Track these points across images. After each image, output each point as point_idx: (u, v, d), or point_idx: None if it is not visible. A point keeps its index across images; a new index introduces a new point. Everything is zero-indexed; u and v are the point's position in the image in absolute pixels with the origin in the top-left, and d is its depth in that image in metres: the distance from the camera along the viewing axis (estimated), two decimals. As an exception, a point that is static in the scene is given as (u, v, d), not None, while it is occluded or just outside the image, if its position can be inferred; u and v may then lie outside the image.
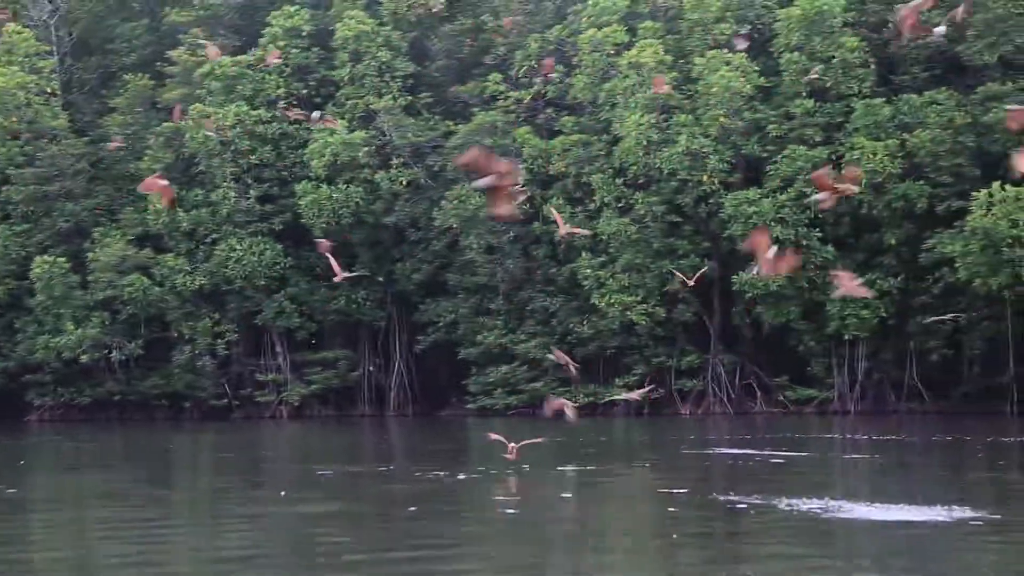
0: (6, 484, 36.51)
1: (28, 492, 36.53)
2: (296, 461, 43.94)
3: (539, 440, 39.90)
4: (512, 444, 35.93)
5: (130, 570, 21.98)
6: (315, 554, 23.15)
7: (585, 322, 71.88)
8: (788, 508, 27.68)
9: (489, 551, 23.33)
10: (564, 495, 31.11)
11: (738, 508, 27.91)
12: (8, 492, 34.79)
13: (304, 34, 79.32)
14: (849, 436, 53.64)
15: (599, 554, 23.08)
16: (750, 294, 68.20)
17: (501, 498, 30.22)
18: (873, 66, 69.14)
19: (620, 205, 70.58)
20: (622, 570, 21.44)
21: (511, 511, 28.02)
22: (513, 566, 21.46)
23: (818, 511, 27.29)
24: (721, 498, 29.71)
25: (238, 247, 75.63)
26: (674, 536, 24.87)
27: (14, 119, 79.22)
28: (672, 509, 28.32)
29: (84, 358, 76.64)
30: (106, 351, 77.23)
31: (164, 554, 23.74)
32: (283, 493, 33.73)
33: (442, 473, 37.33)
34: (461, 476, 36.51)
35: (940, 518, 25.57)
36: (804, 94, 68.95)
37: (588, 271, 70.69)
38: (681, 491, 32.20)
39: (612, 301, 69.73)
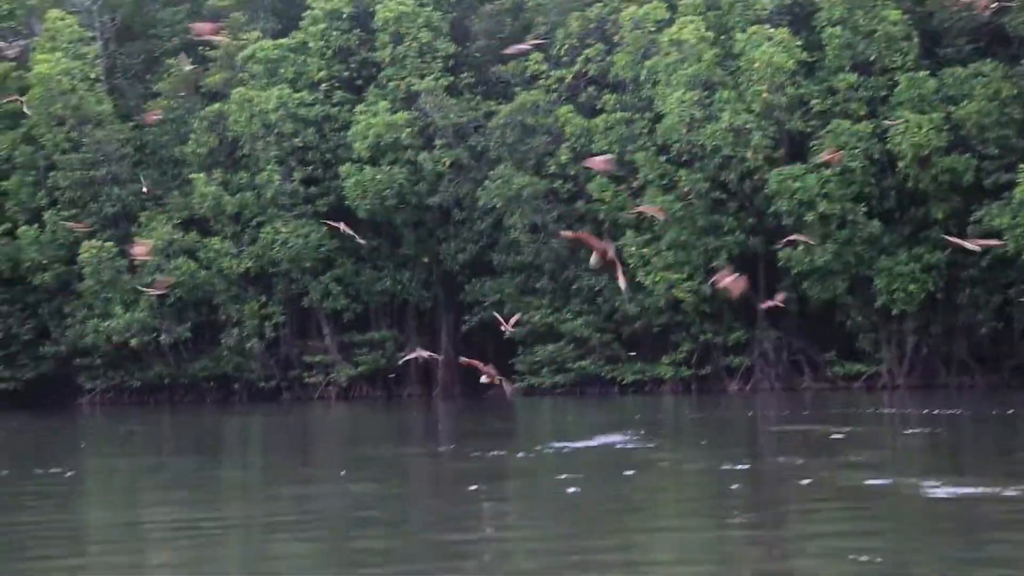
0: (67, 467, 36.92)
1: (92, 475, 36.94)
2: (352, 442, 44.31)
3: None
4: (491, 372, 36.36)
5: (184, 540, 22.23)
6: (383, 533, 23.31)
7: (631, 300, 71.96)
8: (867, 484, 27.73)
9: (551, 528, 23.44)
10: (627, 472, 31.18)
11: (802, 484, 27.99)
12: (67, 475, 35.16)
13: (345, 16, 79.48)
14: (901, 410, 53.63)
15: (653, 532, 23.19)
16: (796, 270, 68.12)
17: (564, 476, 30.30)
18: (916, 39, 68.76)
19: (664, 183, 70.55)
20: (671, 547, 21.52)
21: (572, 489, 28.11)
22: (580, 543, 21.59)
23: (888, 485, 27.37)
24: (791, 474, 29.70)
25: (283, 229, 76.03)
26: (735, 513, 24.97)
27: (59, 105, 79.77)
28: (734, 486, 28.37)
29: (133, 342, 77.34)
30: (155, 334, 77.88)
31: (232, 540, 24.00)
32: (343, 473, 33.96)
33: (501, 452, 37.50)
34: (520, 454, 36.66)
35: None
36: (848, 68, 68.67)
37: (633, 249, 70.73)
38: (743, 467, 32.27)
39: (658, 279, 69.78)
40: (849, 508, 25.21)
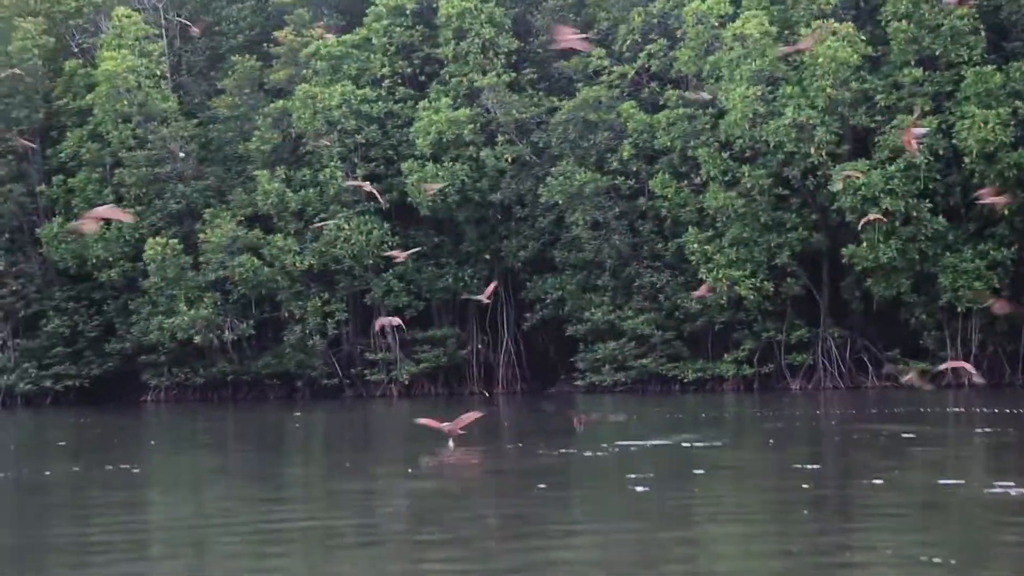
0: (140, 463, 37.13)
1: (160, 471, 37.11)
2: (419, 439, 44.33)
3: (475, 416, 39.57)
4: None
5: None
6: (447, 531, 23.23)
7: (693, 297, 71.61)
8: (940, 483, 27.40)
9: (617, 529, 23.27)
10: (696, 471, 30.94)
11: (875, 484, 27.63)
12: (134, 471, 35.36)
13: (408, 12, 79.66)
14: (969, 409, 52.99)
15: (722, 530, 22.98)
16: (860, 267, 67.52)
17: (633, 476, 30.04)
18: (983, 33, 67.92)
19: (726, 179, 70.08)
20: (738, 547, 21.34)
21: (641, 488, 27.87)
22: (651, 545, 21.42)
23: (960, 486, 27.01)
24: (861, 476, 29.33)
25: (346, 226, 76.24)
26: (805, 512, 24.69)
27: (125, 102, 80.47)
28: (805, 485, 28.04)
29: (197, 339, 77.88)
30: (218, 331, 78.39)
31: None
32: (410, 470, 33.91)
33: (570, 450, 37.28)
34: (588, 453, 36.43)
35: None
36: (913, 63, 67.95)
37: (695, 246, 70.37)
38: (814, 466, 31.90)
39: (720, 276, 69.38)
40: (921, 509, 24.86)
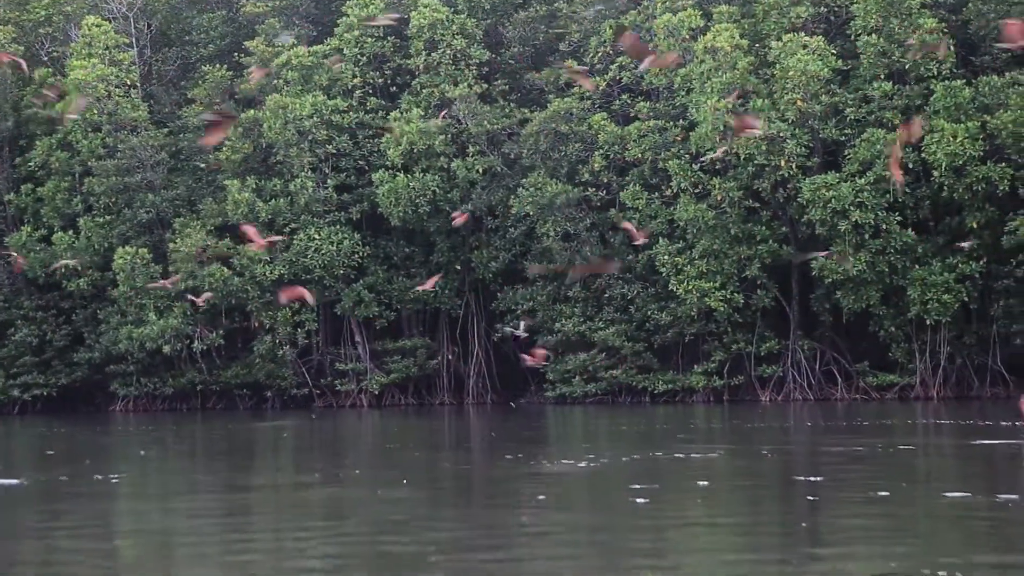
0: (122, 470, 36.96)
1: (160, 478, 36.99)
2: (406, 449, 44.27)
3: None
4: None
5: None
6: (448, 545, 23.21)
7: (663, 309, 71.78)
8: (947, 496, 27.45)
9: (619, 540, 23.28)
10: (701, 482, 30.93)
11: (880, 496, 27.68)
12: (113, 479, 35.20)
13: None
14: (933, 421, 53.25)
15: (734, 536, 23.01)
16: (829, 279, 67.78)
17: (636, 487, 29.96)
18: (952, 47, 68.36)
19: (697, 191, 70.31)
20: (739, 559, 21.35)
21: (642, 500, 27.80)
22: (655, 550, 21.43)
23: (967, 499, 27.08)
24: (865, 488, 29.36)
25: (316, 236, 76.11)
26: (802, 525, 24.70)
27: (95, 111, 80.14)
28: (811, 497, 28.04)
29: (166, 348, 77.56)
30: (188, 341, 78.11)
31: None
32: (405, 481, 33.73)
33: (566, 461, 37.14)
34: (582, 464, 36.34)
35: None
36: (882, 76, 68.31)
37: (665, 257, 70.53)
38: (816, 479, 31.85)
39: (690, 287, 69.54)
40: (933, 521, 25.04)
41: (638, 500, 27.79)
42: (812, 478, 31.80)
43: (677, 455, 38.38)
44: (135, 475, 39.52)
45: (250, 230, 39.80)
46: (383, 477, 35.35)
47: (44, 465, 42.83)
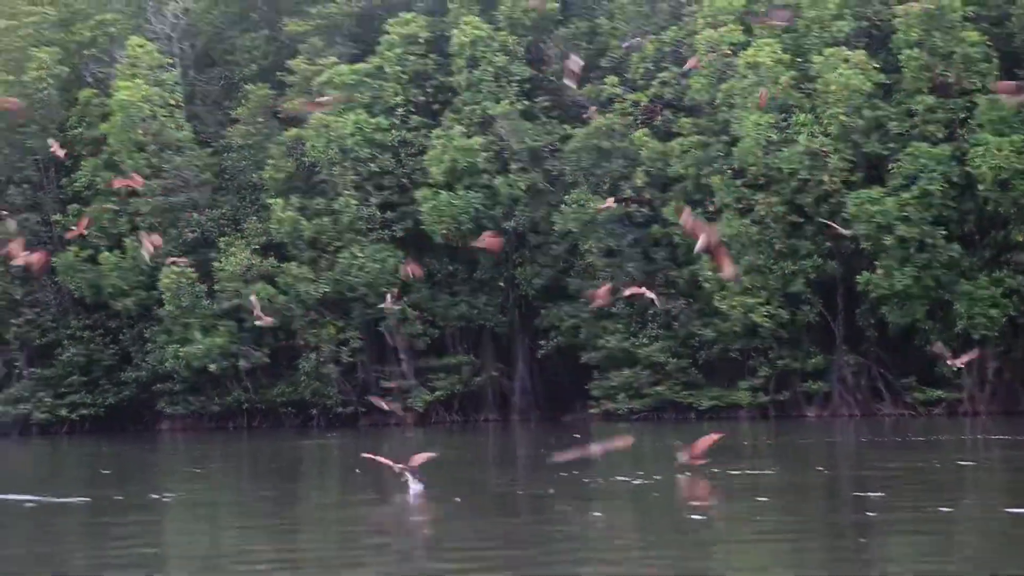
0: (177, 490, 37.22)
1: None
2: (456, 466, 44.40)
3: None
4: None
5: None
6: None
7: (707, 325, 71.68)
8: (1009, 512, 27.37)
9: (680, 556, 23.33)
10: (759, 498, 30.91)
11: (942, 512, 27.59)
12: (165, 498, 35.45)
13: (421, 41, 79.90)
14: (984, 437, 53.00)
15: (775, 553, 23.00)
16: (875, 294, 67.54)
17: (695, 503, 29.94)
18: (996, 60, 68.10)
19: (740, 206, 70.22)
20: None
21: (698, 516, 27.78)
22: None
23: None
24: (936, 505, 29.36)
25: (360, 255, 76.41)
26: (861, 540, 24.65)
27: (139, 131, 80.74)
28: (871, 513, 28.00)
29: (212, 367, 78.00)
30: (233, 360, 78.50)
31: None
32: (457, 499, 33.85)
33: (620, 478, 37.14)
34: (637, 481, 36.35)
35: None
36: (926, 90, 68.05)
37: (709, 273, 70.42)
38: (876, 494, 31.76)
39: (734, 303, 69.43)
40: (995, 536, 24.99)
41: (695, 516, 27.77)
42: (871, 494, 31.57)
43: (731, 471, 38.30)
44: (194, 493, 39.73)
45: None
46: (431, 495, 35.39)
47: (102, 483, 43.22)
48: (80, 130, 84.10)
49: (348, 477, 44.59)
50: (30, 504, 35.60)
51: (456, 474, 41.32)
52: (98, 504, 35.37)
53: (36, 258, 36.41)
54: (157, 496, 36.79)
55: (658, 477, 37.52)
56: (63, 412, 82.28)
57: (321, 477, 47.43)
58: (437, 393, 78.22)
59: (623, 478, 37.19)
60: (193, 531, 31.13)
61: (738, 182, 70.25)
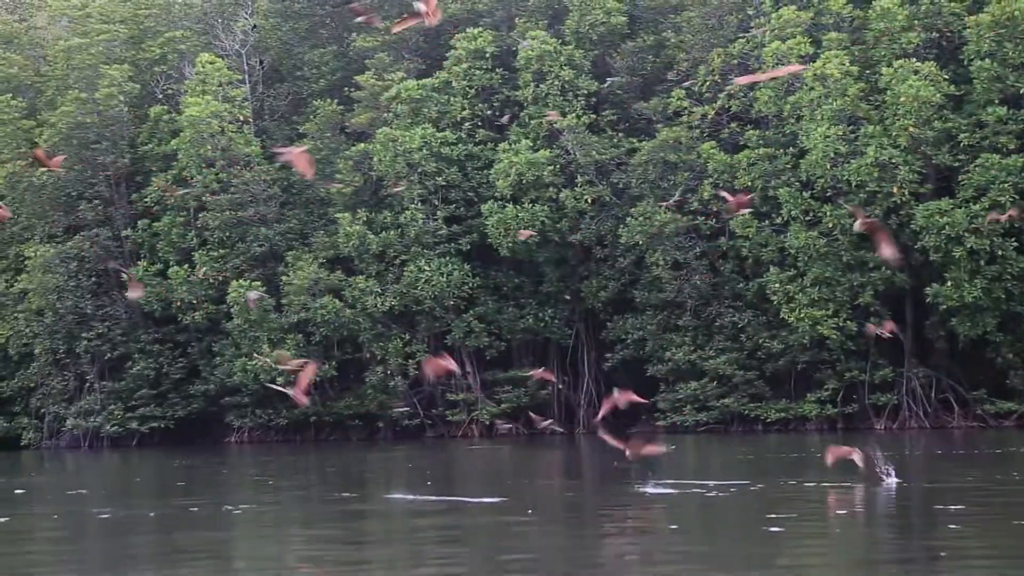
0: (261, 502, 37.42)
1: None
2: (527, 478, 44.35)
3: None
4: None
5: None
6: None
7: (775, 337, 71.33)
8: None
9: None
10: (839, 511, 30.69)
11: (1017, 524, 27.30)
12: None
13: (487, 55, 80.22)
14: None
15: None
16: (944, 306, 66.97)
17: (773, 515, 29.70)
18: (1067, 70, 67.44)
19: (808, 219, 69.84)
20: None
21: (776, 529, 27.57)
22: None
23: None
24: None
25: (427, 268, 76.70)
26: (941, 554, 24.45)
27: (209, 147, 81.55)
28: (953, 526, 27.71)
29: (280, 380, 78.31)
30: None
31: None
32: (529, 511, 33.75)
33: (695, 490, 36.97)
34: (712, 493, 36.14)
35: None
36: (997, 101, 67.49)
37: (776, 285, 70.11)
38: (956, 507, 31.36)
39: (802, 316, 69.06)
40: None
41: (773, 529, 27.57)
42: (952, 507, 31.17)
43: (806, 484, 38.00)
44: (269, 505, 39.88)
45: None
46: (501, 506, 35.40)
47: (176, 494, 43.65)
48: (150, 146, 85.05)
49: (414, 485, 44.68)
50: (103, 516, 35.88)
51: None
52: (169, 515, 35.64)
53: (309, 369, 36.32)
54: (231, 507, 36.79)
55: (732, 490, 37.18)
56: (133, 425, 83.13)
57: (394, 486, 47.50)
58: (503, 406, 78.25)
59: (696, 490, 36.93)
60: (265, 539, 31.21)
61: (806, 194, 69.86)
